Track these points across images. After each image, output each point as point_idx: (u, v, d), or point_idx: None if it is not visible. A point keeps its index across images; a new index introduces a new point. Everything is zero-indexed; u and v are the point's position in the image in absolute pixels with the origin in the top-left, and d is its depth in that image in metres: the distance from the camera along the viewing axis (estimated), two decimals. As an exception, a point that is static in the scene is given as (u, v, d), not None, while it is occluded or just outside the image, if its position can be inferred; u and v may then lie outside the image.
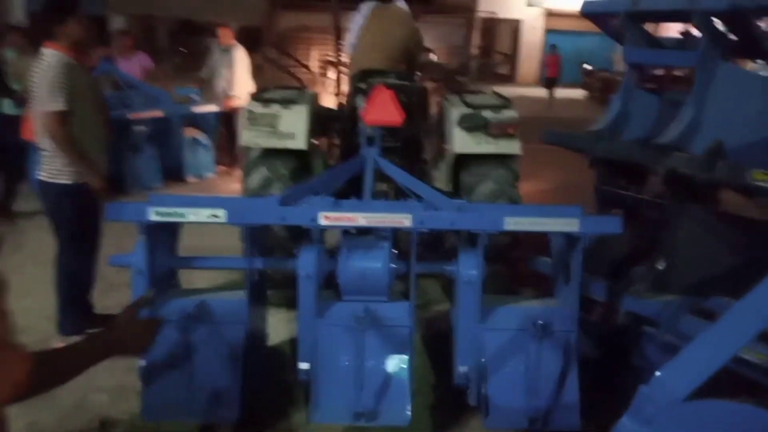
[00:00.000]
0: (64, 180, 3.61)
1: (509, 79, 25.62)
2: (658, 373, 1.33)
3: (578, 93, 21.53)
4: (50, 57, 3.48)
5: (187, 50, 17.99)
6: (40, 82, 3.47)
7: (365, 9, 5.01)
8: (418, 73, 5.30)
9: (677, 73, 5.75)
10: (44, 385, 1.35)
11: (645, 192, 3.99)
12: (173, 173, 7.49)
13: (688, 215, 3.46)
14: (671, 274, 3.39)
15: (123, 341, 1.62)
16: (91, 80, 3.81)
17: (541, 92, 19.45)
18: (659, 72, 4.78)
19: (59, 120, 3.46)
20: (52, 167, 3.60)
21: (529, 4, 26.06)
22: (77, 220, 3.71)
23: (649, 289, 3.32)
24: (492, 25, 26.02)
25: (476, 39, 24.51)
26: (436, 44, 17.40)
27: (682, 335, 2.77)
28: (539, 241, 3.28)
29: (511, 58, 26.87)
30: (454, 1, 21.39)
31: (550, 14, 25.93)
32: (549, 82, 18.91)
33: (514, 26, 26.68)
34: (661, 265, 3.46)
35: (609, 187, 4.02)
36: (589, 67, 22.20)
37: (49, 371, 1.36)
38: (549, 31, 26.06)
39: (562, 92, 19.75)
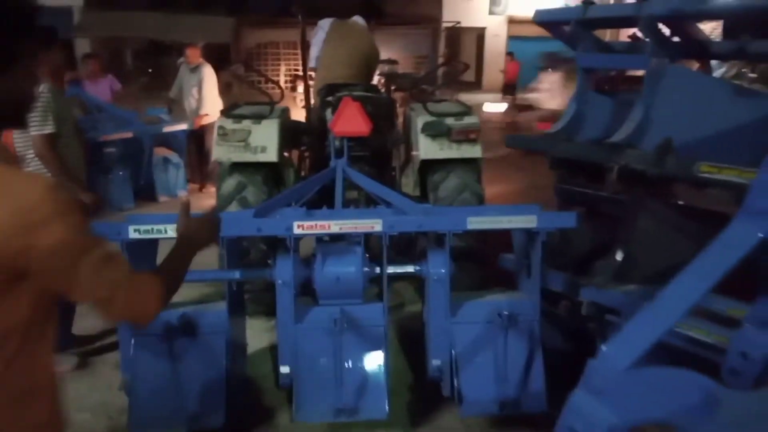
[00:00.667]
0: None
1: (475, 86, 25.97)
2: (603, 348, 1.48)
3: (542, 97, 21.96)
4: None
5: (154, 70, 17.96)
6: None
7: (326, 25, 5.21)
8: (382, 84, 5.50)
9: (632, 73, 5.97)
10: (170, 295, 1.48)
11: (604, 189, 4.17)
12: (145, 193, 7.52)
13: (644, 209, 3.65)
14: (630, 265, 3.57)
15: (198, 238, 1.76)
16: (67, 103, 3.96)
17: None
18: (612, 74, 4.99)
19: (50, 142, 3.66)
20: None
21: (491, 13, 26.48)
22: None
23: (610, 280, 3.50)
24: (457, 33, 26.39)
25: (442, 48, 24.83)
26: (403, 54, 17.63)
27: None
28: (508, 240, 3.45)
29: (478, 65, 27.23)
30: (420, 12, 21.68)
31: (513, 21, 26.34)
32: (507, 89, 19.24)
33: (479, 34, 27.09)
34: (619, 257, 3.64)
35: (569, 186, 4.20)
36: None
37: (170, 281, 1.48)
38: (512, 38, 26.48)
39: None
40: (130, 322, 1.45)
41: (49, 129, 3.64)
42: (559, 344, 3.49)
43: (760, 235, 1.60)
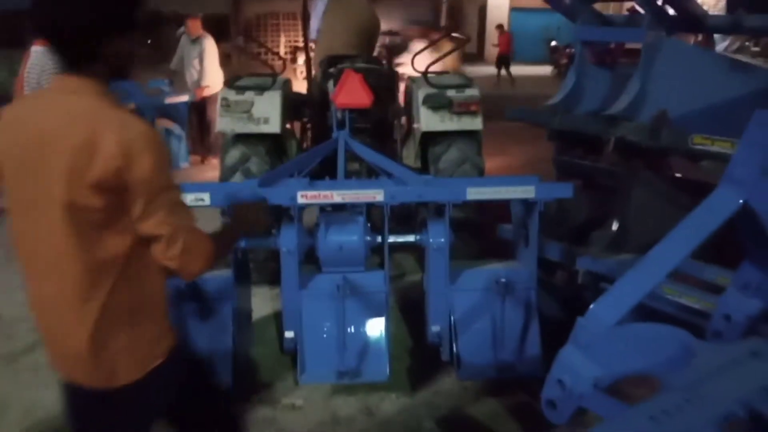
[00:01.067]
0: None
1: (477, 58, 25.83)
2: (591, 306, 1.59)
3: (545, 70, 21.84)
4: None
5: (153, 41, 17.86)
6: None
7: None
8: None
9: (632, 47, 6.01)
10: (216, 258, 1.63)
11: (601, 161, 4.26)
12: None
13: (639, 180, 3.74)
14: (625, 235, 3.67)
15: (244, 224, 1.99)
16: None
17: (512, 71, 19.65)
18: (611, 46, 5.03)
19: None
20: None
21: (494, -17, 26.22)
22: None
23: (606, 249, 3.60)
24: (459, 5, 26.15)
25: (444, 20, 24.64)
26: (405, 25, 17.51)
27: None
28: (506, 213, 3.53)
29: (480, 38, 27.03)
30: (423, -19, 21.45)
31: (515, -8, 26.13)
32: (501, 61, 19.17)
33: (481, 5, 26.85)
34: (614, 227, 3.74)
35: (567, 157, 4.28)
36: (555, 44, 22.50)
37: (218, 248, 1.63)
38: (514, 10, 26.27)
39: (529, 69, 20.02)
40: (178, 270, 1.57)
41: None
42: (555, 312, 3.60)
43: (741, 200, 1.69)
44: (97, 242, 1.47)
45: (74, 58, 1.48)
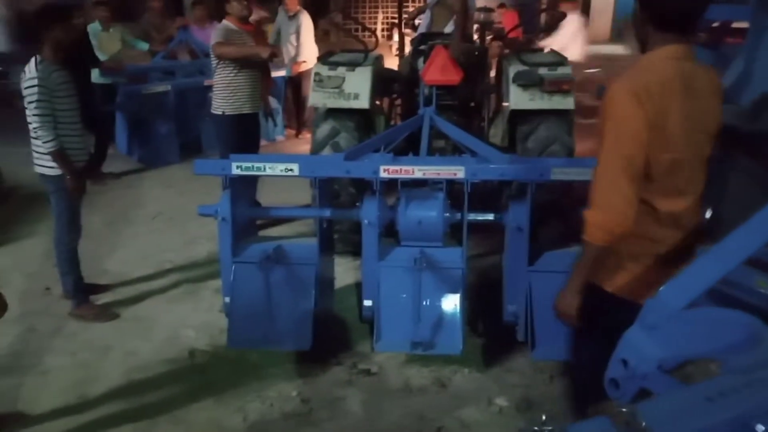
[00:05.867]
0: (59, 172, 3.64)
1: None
2: (661, 289, 1.57)
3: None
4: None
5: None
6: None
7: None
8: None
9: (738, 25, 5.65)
10: None
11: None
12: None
13: (736, 167, 3.56)
14: (718, 224, 3.52)
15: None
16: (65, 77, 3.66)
17: (616, 49, 18.66)
18: (715, 25, 4.74)
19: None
20: (46, 163, 3.63)
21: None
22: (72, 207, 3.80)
23: (696, 238, 3.46)
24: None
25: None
26: (499, 2, 17.12)
27: (728, 282, 2.93)
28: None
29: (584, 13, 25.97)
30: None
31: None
32: (507, 45, 18.12)
33: (583, -19, 25.79)
34: (707, 215, 3.59)
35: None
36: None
37: None
38: (620, -15, 25.03)
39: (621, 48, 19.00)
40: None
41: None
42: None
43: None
44: None
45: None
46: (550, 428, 0.92)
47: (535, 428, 0.93)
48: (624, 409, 0.99)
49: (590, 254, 1.96)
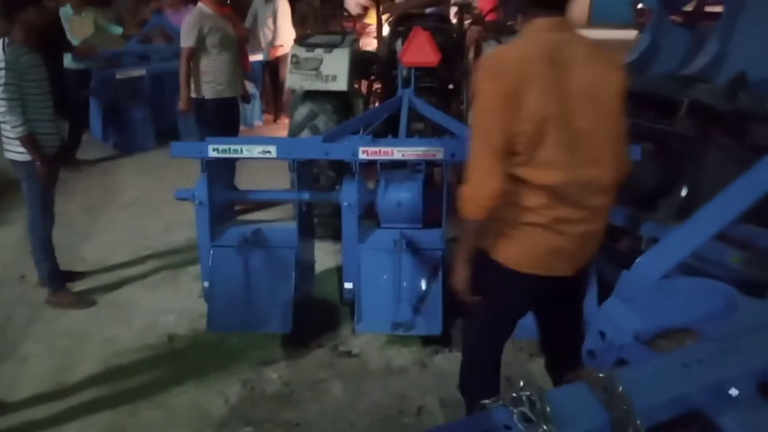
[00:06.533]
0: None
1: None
2: (637, 260, 1.59)
3: (630, 34, 20.90)
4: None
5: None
6: None
7: None
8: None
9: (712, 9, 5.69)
10: None
11: (674, 125, 4.10)
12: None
13: (712, 145, 3.59)
14: (694, 202, 3.55)
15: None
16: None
17: (594, 33, 18.77)
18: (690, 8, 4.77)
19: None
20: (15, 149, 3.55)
21: (577, -60, 25.05)
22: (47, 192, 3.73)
23: (672, 216, 3.50)
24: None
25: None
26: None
27: (701, 258, 2.98)
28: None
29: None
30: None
31: (599, -50, 24.89)
32: (490, 29, 18.20)
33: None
34: (683, 193, 3.62)
35: (639, 120, 4.14)
36: (642, 6, 21.44)
37: None
38: (598, -32, 25.06)
39: (612, 33, 19.15)
40: None
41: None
42: (616, 278, 3.55)
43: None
44: None
45: None
46: (527, 393, 0.93)
47: (514, 394, 0.93)
48: (601, 375, 1.00)
49: (468, 227, 1.96)
